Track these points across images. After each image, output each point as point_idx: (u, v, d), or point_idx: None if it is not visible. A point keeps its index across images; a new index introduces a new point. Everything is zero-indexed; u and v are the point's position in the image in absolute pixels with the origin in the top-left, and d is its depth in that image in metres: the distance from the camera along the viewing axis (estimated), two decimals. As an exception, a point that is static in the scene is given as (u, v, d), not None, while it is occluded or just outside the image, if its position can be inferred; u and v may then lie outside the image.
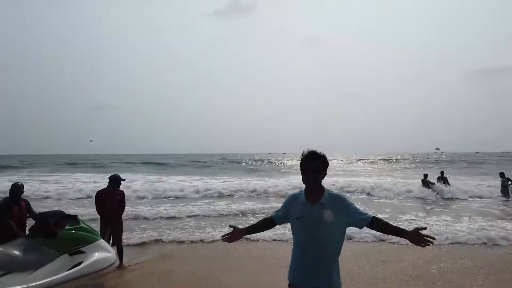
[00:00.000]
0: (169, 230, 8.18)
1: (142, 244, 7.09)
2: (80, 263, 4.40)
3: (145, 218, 9.61)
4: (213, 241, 7.26)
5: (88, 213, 9.28)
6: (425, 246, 2.04)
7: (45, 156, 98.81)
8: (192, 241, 7.30)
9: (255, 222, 2.58)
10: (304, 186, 2.27)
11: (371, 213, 2.24)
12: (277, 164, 51.08)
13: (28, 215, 4.90)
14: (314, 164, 2.19)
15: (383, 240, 6.92)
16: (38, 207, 10.27)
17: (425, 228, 2.10)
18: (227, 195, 14.51)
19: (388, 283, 4.87)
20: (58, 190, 14.68)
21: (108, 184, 5.66)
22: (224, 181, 19.84)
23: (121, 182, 5.71)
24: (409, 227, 8.06)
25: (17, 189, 4.81)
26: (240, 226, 2.55)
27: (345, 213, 2.17)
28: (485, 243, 6.88)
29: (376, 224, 2.16)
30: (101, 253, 4.68)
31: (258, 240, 7.05)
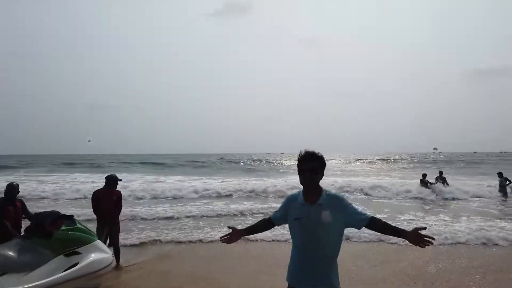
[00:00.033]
0: (167, 231, 8.14)
1: (140, 244, 7.04)
2: (76, 264, 4.36)
3: (143, 219, 9.56)
4: (212, 241, 7.22)
5: (84, 213, 9.23)
6: (424, 247, 2.01)
7: (44, 156, 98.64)
8: (190, 242, 7.26)
9: (254, 223, 2.58)
10: (302, 186, 2.25)
11: (370, 213, 2.21)
12: (275, 164, 51.08)
13: (23, 216, 4.85)
14: (311, 165, 2.17)
15: (381, 240, 6.89)
16: (35, 208, 10.22)
17: (425, 228, 2.07)
18: (226, 195, 14.47)
19: (387, 283, 4.85)
20: (55, 190, 14.59)
21: (104, 184, 5.62)
22: (222, 181, 19.80)
23: (118, 182, 5.66)
24: (408, 227, 8.05)
25: (12, 189, 4.76)
26: (239, 227, 2.52)
27: (343, 213, 2.14)
28: (484, 243, 6.86)
29: (375, 224, 2.14)
30: (98, 254, 4.64)
31: (257, 240, 7.02)
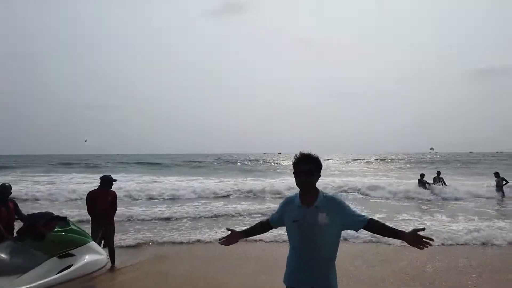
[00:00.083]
0: (164, 231, 8.07)
1: (136, 245, 6.97)
2: (69, 266, 4.29)
3: (140, 219, 9.48)
4: (210, 241, 7.17)
5: (80, 214, 9.14)
6: (423, 248, 1.98)
7: (42, 156, 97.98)
8: (188, 242, 7.20)
9: (252, 225, 2.58)
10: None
11: (367, 215, 2.18)
12: (273, 164, 51.08)
13: (16, 217, 4.77)
14: (307, 167, 2.14)
15: (379, 241, 6.85)
16: (30, 208, 10.10)
17: (423, 229, 2.03)
18: (223, 196, 14.40)
19: (385, 283, 4.82)
20: (51, 191, 14.44)
21: (99, 184, 5.54)
22: (219, 182, 19.75)
23: (113, 182, 5.59)
24: (405, 227, 8.08)
25: (4, 190, 4.68)
26: (237, 227, 2.48)
27: (341, 215, 2.12)
28: (482, 243, 6.86)
29: (373, 226, 2.11)
30: (92, 256, 4.56)
31: (256, 241, 6.96)
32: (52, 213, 4.56)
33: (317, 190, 2.19)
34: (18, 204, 4.96)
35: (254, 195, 14.65)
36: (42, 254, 4.14)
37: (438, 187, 14.54)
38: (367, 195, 14.82)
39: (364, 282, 4.86)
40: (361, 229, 2.12)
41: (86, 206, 5.51)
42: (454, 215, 9.86)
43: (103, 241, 5.41)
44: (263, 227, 2.48)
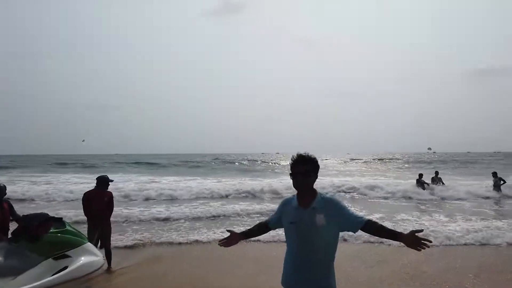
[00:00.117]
0: (162, 232, 8.04)
1: (134, 246, 6.91)
2: (65, 268, 4.23)
3: (138, 220, 9.43)
4: (208, 242, 7.14)
5: (76, 214, 9.05)
6: (421, 250, 1.96)
7: (39, 156, 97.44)
8: (186, 243, 7.15)
9: (251, 227, 2.58)
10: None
11: (365, 216, 2.16)
12: (271, 164, 51.04)
13: (10, 218, 4.71)
14: (303, 168, 2.15)
15: (378, 242, 6.84)
16: (26, 209, 10.02)
17: (421, 231, 2.01)
18: (221, 196, 14.35)
19: (384, 284, 4.80)
20: (47, 191, 14.34)
21: (96, 185, 5.49)
22: (218, 182, 19.70)
23: (109, 183, 5.53)
24: (403, 227, 8.07)
25: (-1, 190, 4.61)
26: (235, 227, 2.46)
27: (338, 217, 2.10)
28: (480, 244, 6.85)
29: (371, 227, 2.08)
30: (88, 257, 4.51)
31: (254, 242, 6.92)
32: (47, 214, 4.50)
33: (314, 191, 2.18)
34: (14, 205, 4.90)
35: (252, 195, 14.61)
36: (37, 255, 4.09)
37: (436, 187, 14.55)
38: (365, 195, 14.81)
39: (363, 283, 4.84)
40: (359, 230, 2.10)
41: (82, 207, 5.46)
42: (452, 215, 9.86)
43: (99, 242, 5.36)
44: (261, 228, 2.48)
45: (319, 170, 2.24)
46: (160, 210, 10.54)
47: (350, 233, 6.83)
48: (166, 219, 9.53)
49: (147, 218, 9.57)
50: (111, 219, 5.65)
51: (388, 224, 8.45)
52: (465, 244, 6.81)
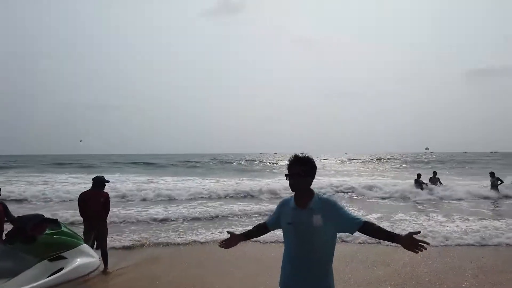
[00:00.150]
0: (160, 232, 7.99)
1: (131, 246, 6.86)
2: (61, 269, 4.18)
3: (135, 220, 9.36)
4: (207, 242, 7.10)
5: (74, 215, 8.99)
6: (418, 252, 1.94)
7: (44, 156, 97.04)
8: (184, 243, 7.10)
9: (250, 228, 2.59)
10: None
11: (363, 217, 2.14)
12: (269, 164, 51.02)
13: (5, 219, 4.65)
14: (299, 169, 2.15)
15: (376, 243, 6.82)
16: (24, 210, 9.96)
17: (419, 233, 1.98)
18: (219, 196, 14.29)
19: (382, 284, 4.78)
20: (44, 191, 14.23)
21: (92, 185, 5.43)
22: (216, 182, 19.66)
23: (106, 183, 5.48)
24: (401, 227, 8.05)
25: (-7, 191, 4.56)
26: (233, 228, 2.44)
27: (336, 218, 2.09)
28: (477, 244, 6.85)
29: (368, 228, 2.06)
30: (84, 258, 4.46)
31: (252, 242, 6.87)
32: (43, 215, 4.45)
33: (312, 192, 2.18)
34: (10, 206, 4.85)
35: (250, 195, 14.57)
36: (32, 257, 4.04)
37: (434, 187, 14.57)
38: (363, 195, 14.80)
39: (361, 284, 4.81)
40: (357, 231, 2.09)
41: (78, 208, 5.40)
42: (450, 215, 9.87)
43: (95, 243, 5.31)
44: (261, 229, 2.49)
45: (317, 170, 2.24)
46: (158, 211, 10.49)
47: (348, 233, 6.89)
48: (164, 220, 9.47)
49: (144, 219, 9.51)
50: (108, 220, 5.61)
51: (386, 224, 8.45)
52: (462, 245, 6.80)
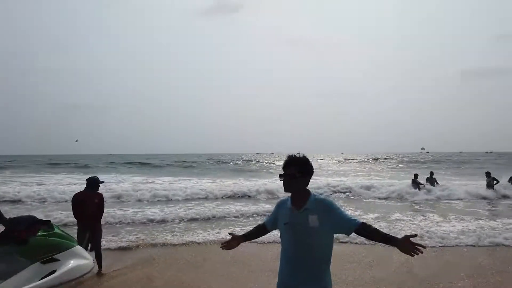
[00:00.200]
0: (156, 233, 7.94)
1: (127, 248, 6.79)
2: (54, 272, 4.11)
3: (131, 221, 9.29)
4: (204, 243, 7.05)
5: (68, 216, 8.90)
6: (414, 256, 1.92)
7: (43, 156, 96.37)
8: (180, 244, 7.05)
9: (250, 229, 2.60)
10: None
11: (359, 218, 2.11)
12: (265, 164, 51.00)
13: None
14: (291, 169, 2.13)
15: (374, 244, 6.81)
16: (19, 210, 9.84)
17: (415, 235, 1.97)
18: (216, 197, 14.24)
19: (379, 285, 4.76)
20: (39, 192, 14.09)
21: (85, 186, 5.36)
22: (213, 182, 19.60)
23: (100, 184, 5.41)
24: (398, 227, 8.04)
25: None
26: (230, 228, 2.41)
27: (332, 219, 2.07)
28: (474, 244, 6.84)
29: (364, 230, 2.04)
30: (77, 260, 4.40)
31: (251, 242, 6.83)
32: (35, 217, 4.38)
33: (308, 192, 2.16)
34: (4, 207, 4.78)
35: (247, 196, 14.53)
36: (24, 259, 3.97)
37: (430, 187, 14.60)
38: (360, 195, 14.81)
39: (358, 285, 4.79)
40: (353, 233, 2.07)
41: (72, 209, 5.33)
42: (447, 216, 9.88)
43: (89, 245, 5.24)
44: (260, 230, 2.49)
45: (314, 170, 2.22)
46: (154, 211, 10.43)
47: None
48: (160, 220, 9.40)
49: (140, 219, 9.44)
50: (103, 221, 5.54)
51: (383, 225, 8.45)
52: (459, 245, 6.80)
